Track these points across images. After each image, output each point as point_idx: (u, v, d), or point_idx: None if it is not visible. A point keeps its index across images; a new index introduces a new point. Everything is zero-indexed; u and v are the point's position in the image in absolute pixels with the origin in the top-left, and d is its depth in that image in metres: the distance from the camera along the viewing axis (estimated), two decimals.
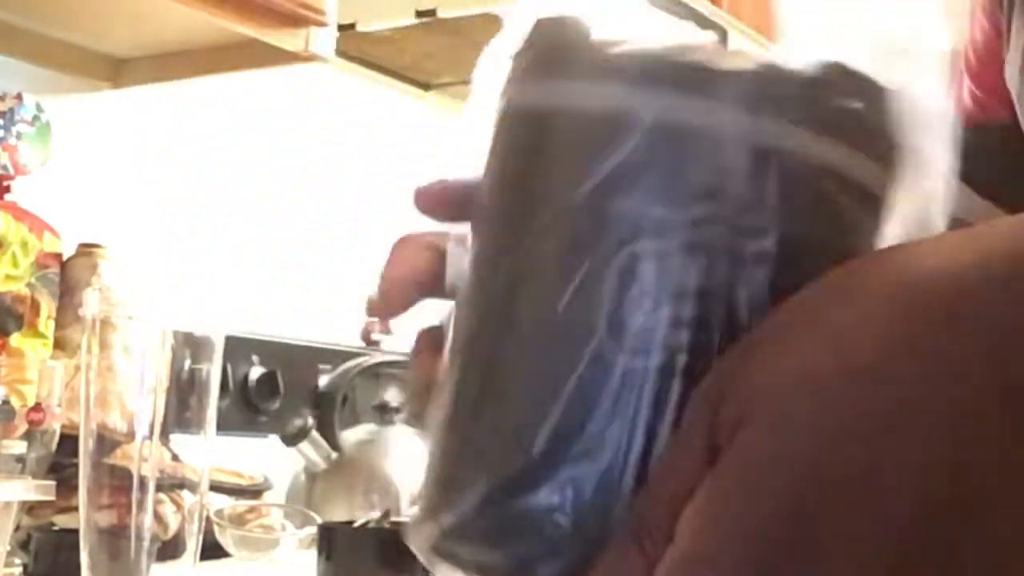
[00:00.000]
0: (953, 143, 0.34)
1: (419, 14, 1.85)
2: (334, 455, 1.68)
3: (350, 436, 1.74)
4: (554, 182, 0.33)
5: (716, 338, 0.31)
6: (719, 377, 0.31)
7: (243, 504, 1.46)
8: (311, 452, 1.67)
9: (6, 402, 1.21)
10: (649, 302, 0.31)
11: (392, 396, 1.87)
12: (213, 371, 1.01)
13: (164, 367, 0.97)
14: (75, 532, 0.98)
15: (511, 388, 0.33)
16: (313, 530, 1.37)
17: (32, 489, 1.02)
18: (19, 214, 1.49)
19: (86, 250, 1.53)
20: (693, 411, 0.31)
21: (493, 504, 0.32)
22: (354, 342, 2.00)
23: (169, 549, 1.00)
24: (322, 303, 2.04)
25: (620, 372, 0.31)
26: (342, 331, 1.99)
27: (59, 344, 1.47)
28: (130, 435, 0.96)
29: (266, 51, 1.54)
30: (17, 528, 1.12)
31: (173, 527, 1.04)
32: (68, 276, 1.51)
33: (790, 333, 0.30)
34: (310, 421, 1.66)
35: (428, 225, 0.41)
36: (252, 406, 1.77)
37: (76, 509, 0.99)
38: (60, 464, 1.18)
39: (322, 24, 1.53)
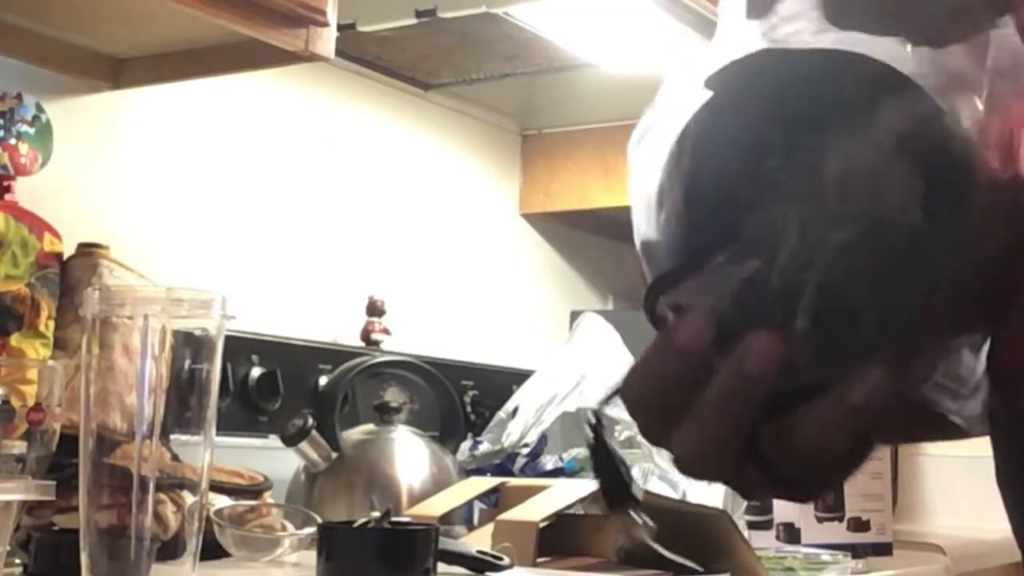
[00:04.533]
0: None
1: (419, 14, 1.85)
2: (334, 455, 1.68)
3: (350, 436, 1.74)
4: None
5: None
6: None
7: (243, 504, 1.46)
8: (311, 452, 1.67)
9: (6, 402, 1.21)
10: None
11: (392, 396, 1.87)
12: (213, 371, 1.01)
13: (164, 367, 0.97)
14: (75, 532, 0.98)
15: None
16: (313, 530, 1.37)
17: (32, 489, 1.02)
18: (19, 214, 1.49)
19: (86, 250, 1.53)
20: None
21: None
22: (354, 342, 2.00)
23: (169, 549, 1.00)
24: (322, 303, 2.04)
25: None
26: (342, 331, 1.99)
27: (59, 344, 1.47)
28: (130, 435, 0.96)
29: (266, 51, 1.54)
30: (17, 528, 1.12)
31: (173, 527, 1.04)
32: (68, 276, 1.51)
33: None
34: (310, 421, 1.66)
35: None
36: (252, 406, 1.77)
37: (76, 509, 0.99)
38: (60, 464, 1.18)
39: (322, 24, 1.53)
